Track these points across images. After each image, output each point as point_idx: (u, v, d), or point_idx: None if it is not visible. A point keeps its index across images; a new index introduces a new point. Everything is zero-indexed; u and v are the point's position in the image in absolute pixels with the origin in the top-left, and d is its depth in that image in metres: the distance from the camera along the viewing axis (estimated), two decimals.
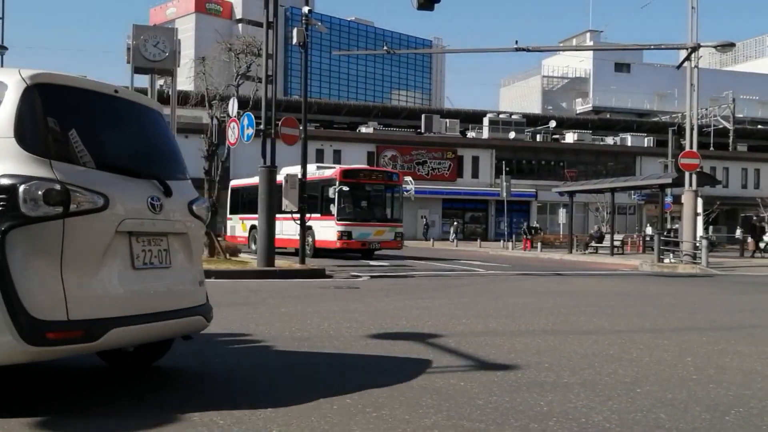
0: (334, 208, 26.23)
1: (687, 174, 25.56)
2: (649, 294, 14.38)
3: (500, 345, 7.21)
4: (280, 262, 18.80)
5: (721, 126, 72.49)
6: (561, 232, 51.92)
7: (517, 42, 27.02)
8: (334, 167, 28.93)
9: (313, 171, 26.14)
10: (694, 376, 5.78)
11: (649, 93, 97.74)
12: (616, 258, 32.78)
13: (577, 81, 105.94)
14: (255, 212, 27.23)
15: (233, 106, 19.13)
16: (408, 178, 30.27)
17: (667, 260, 26.28)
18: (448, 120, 63.30)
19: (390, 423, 4.30)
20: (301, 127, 19.67)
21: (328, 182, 26.63)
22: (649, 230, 47.65)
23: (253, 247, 27.63)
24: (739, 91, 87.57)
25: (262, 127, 18.23)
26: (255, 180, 28.66)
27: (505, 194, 44.62)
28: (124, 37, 21.72)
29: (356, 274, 18.66)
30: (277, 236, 24.64)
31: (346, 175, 27.07)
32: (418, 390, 5.16)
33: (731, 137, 73.17)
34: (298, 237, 21.65)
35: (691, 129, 25.97)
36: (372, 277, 17.79)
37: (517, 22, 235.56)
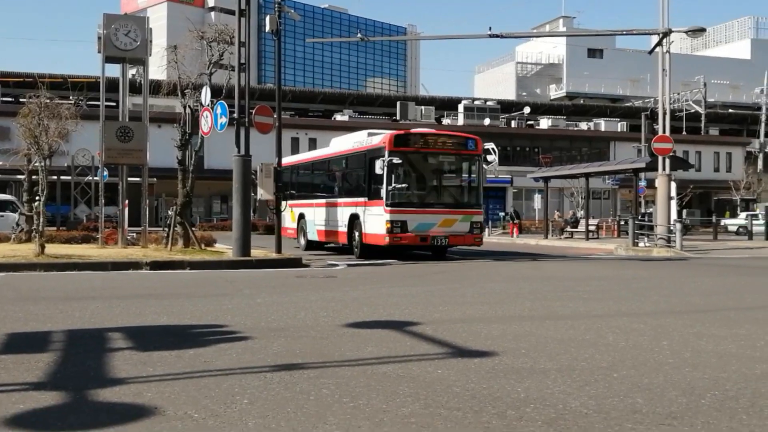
0: (382, 190, 19.26)
1: (660, 158, 25.69)
2: (625, 278, 14.45)
3: (477, 332, 7.19)
4: (256, 252, 18.70)
5: (693, 110, 72.96)
6: (536, 218, 52.15)
7: (491, 29, 27.04)
8: (384, 133, 20.90)
9: (361, 139, 21.61)
10: (670, 360, 5.79)
11: (622, 78, 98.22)
12: (591, 243, 32.97)
13: (550, 67, 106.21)
14: (307, 197, 25.23)
15: (206, 95, 18.96)
16: (491, 146, 22.06)
17: (641, 244, 26.45)
18: (423, 107, 63.22)
19: (367, 413, 4.27)
20: (275, 115, 19.54)
21: (375, 153, 19.80)
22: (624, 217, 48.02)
23: (302, 241, 25.22)
24: (710, 75, 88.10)
25: (235, 115, 18.10)
26: (311, 155, 27.61)
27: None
28: (95, 27, 21.51)
29: (333, 262, 18.63)
30: (320, 227, 23.28)
31: (400, 141, 19.57)
32: (395, 379, 5.13)
33: (703, 121, 73.69)
34: (346, 229, 21.02)
35: (664, 114, 26.08)
36: (349, 265, 17.76)
37: (490, 8, 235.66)
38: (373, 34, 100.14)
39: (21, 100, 54.54)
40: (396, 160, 19.02)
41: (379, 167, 19.06)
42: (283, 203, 24.82)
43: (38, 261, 15.72)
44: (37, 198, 18.14)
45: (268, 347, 6.31)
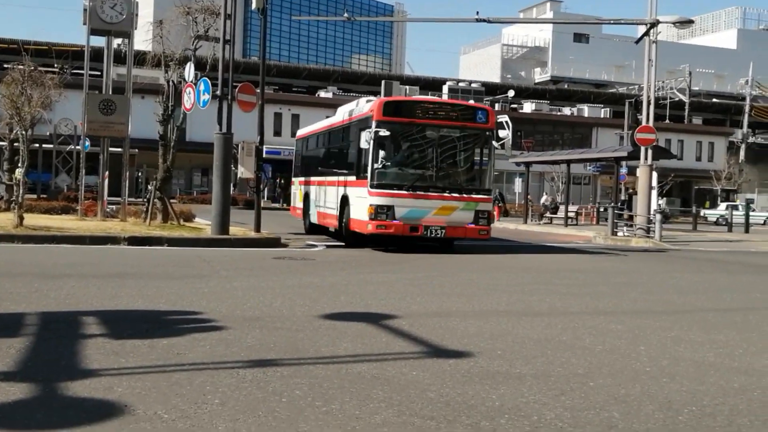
0: (368, 168, 16.52)
1: (643, 148, 25.70)
2: (603, 271, 14.46)
3: (454, 328, 7.15)
4: (235, 230, 18.58)
5: (677, 99, 73.10)
6: (517, 201, 52.24)
7: (478, 13, 26.94)
8: (375, 99, 18.15)
9: (355, 107, 19.11)
10: (647, 368, 5.76)
11: (607, 64, 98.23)
12: (570, 229, 33.04)
13: (536, 50, 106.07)
14: (312, 173, 22.38)
15: (190, 70, 18.75)
16: (505, 119, 17.70)
17: (620, 233, 26.50)
18: (407, 87, 62.86)
19: (340, 419, 4.20)
20: (258, 91, 19.32)
21: (364, 123, 17.14)
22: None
23: (306, 223, 22.52)
24: (695, 64, 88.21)
25: (218, 92, 17.89)
26: (316, 126, 23.71)
27: None
28: None
29: (312, 243, 18.53)
30: (320, 209, 20.70)
31: (390, 110, 16.64)
32: (370, 380, 5.07)
33: (687, 110, 73.88)
34: (337, 212, 18.57)
35: (648, 104, 26.06)
36: (328, 246, 17.67)
37: None
38: (360, 11, 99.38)
39: (5, 66, 53.99)
40: (383, 132, 16.26)
41: (365, 140, 16.34)
42: (295, 180, 25.35)
43: (17, 233, 15.55)
44: (18, 168, 17.91)
45: (242, 339, 6.22)
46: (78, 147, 34.08)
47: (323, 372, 5.25)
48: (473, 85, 67.88)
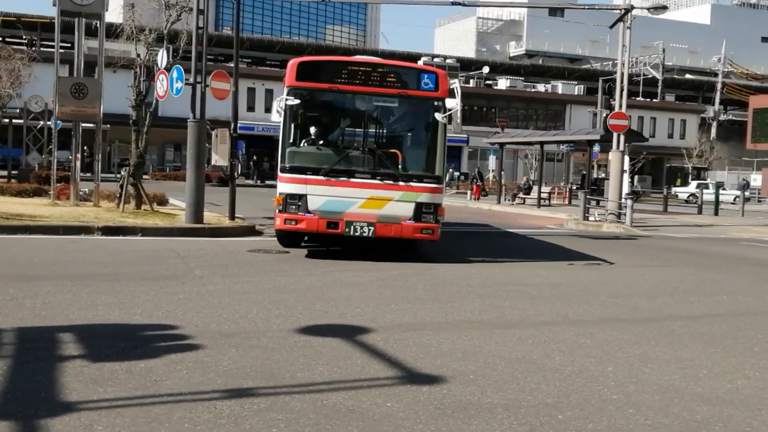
0: (280, 148, 13.73)
1: (615, 134, 25.92)
2: (574, 267, 14.61)
3: (428, 345, 7.27)
4: (210, 216, 18.61)
5: (650, 75, 73.51)
6: (491, 179, 52.52)
7: None
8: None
9: None
10: (614, 396, 5.92)
11: (581, 39, 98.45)
12: (543, 210, 33.39)
13: (511, 24, 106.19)
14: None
15: (162, 57, 18.66)
16: (455, 85, 13.76)
17: (592, 218, 26.77)
18: None
19: None
20: (232, 80, 19.25)
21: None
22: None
23: None
24: (669, 39, 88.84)
25: (191, 80, 17.81)
26: None
27: None
28: None
29: None
30: None
31: (306, 73, 13.47)
32: (345, 414, 5.19)
33: (660, 87, 74.35)
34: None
35: (621, 90, 26.27)
36: None
37: None
38: None
39: None
40: (292, 102, 13.23)
41: (276, 111, 13.42)
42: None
43: None
44: None
45: (218, 362, 6.31)
46: (49, 123, 33.73)
47: (299, 404, 5.35)
48: (448, 61, 67.84)
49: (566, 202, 40.05)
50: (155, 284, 10.04)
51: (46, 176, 26.17)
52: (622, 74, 26.21)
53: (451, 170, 57.03)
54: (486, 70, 66.37)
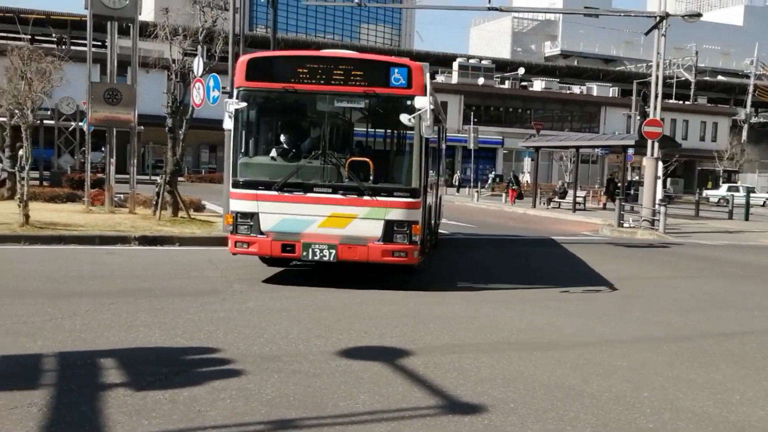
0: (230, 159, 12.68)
1: (649, 141, 25.77)
2: (609, 276, 14.55)
3: (467, 371, 7.33)
4: None
5: (683, 78, 72.92)
6: (526, 182, 52.41)
7: (490, 1, 26.95)
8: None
9: None
10: (650, 425, 5.97)
11: (616, 40, 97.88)
12: (578, 215, 33.27)
13: (546, 24, 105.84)
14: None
15: (198, 65, 18.82)
16: (425, 78, 11.46)
17: (626, 224, 26.65)
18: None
19: None
20: None
21: None
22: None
23: None
24: (702, 41, 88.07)
25: (228, 87, 17.96)
26: None
27: (472, 145, 44.96)
28: None
29: None
30: None
31: (257, 72, 11.74)
32: None
33: (692, 91, 73.79)
34: None
35: (656, 96, 26.11)
36: None
37: None
38: None
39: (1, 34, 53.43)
40: (239, 106, 11.62)
41: (227, 116, 11.82)
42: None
43: (22, 233, 15.63)
44: (22, 165, 17.78)
45: (261, 389, 6.41)
46: (81, 124, 33.94)
47: None
48: (483, 62, 67.59)
49: (601, 206, 39.95)
50: (195, 301, 10.16)
51: (79, 180, 26.20)
52: (657, 80, 26.04)
53: (488, 173, 57.11)
54: (521, 71, 66.23)
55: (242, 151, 12.00)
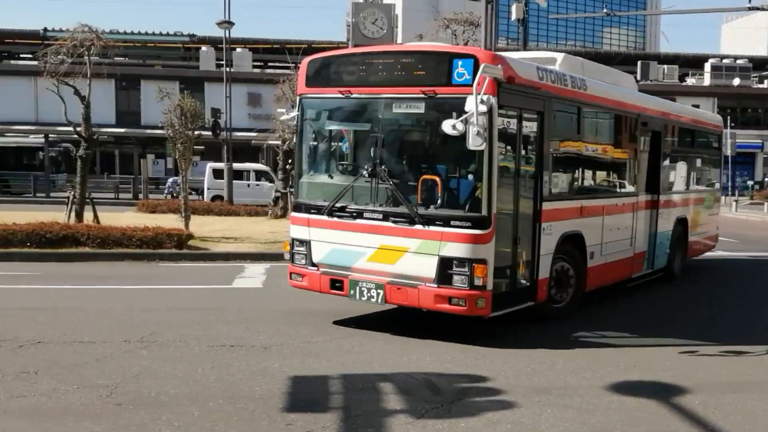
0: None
1: None
2: None
3: (753, 412, 6.88)
4: None
5: None
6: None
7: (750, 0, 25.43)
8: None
9: None
10: None
11: None
12: None
13: None
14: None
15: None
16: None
17: None
18: (666, 66, 60.20)
19: None
20: None
21: None
22: None
23: None
24: None
25: None
26: None
27: (729, 150, 42.58)
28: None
29: None
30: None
31: (316, 75, 10.26)
32: None
33: None
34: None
35: None
36: None
37: None
38: (611, 5, 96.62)
39: (269, 64, 57.27)
40: (299, 115, 10.43)
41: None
42: None
43: None
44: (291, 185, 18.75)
45: (536, 424, 6.37)
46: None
47: None
48: (738, 61, 63.66)
49: None
50: (454, 323, 9.90)
51: None
52: None
53: (745, 180, 53.97)
54: None
55: (303, 167, 10.58)
